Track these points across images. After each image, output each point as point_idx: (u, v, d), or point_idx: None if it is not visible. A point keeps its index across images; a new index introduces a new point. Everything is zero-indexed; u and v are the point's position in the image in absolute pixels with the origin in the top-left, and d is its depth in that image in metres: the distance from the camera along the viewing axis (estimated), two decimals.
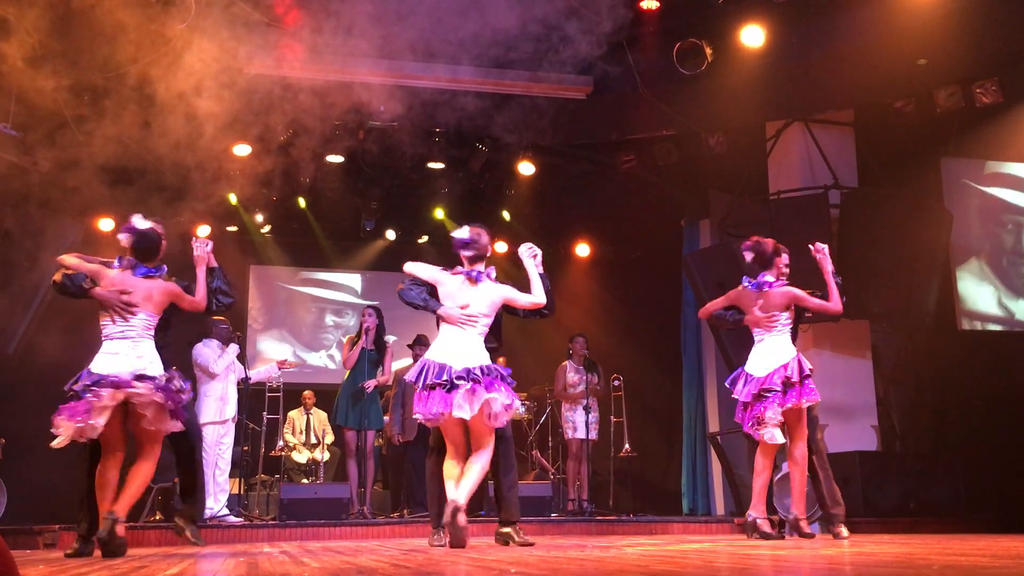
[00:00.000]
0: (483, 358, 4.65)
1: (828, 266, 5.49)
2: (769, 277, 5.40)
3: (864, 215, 7.98)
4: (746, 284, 5.47)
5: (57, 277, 4.65)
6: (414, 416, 4.80)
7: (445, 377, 4.52)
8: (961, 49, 7.19)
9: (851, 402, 8.14)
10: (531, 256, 4.99)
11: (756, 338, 5.43)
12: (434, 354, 4.70)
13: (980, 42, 7.15)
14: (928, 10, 6.80)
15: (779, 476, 6.56)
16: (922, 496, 7.51)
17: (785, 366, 5.22)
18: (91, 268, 4.66)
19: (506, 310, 5.04)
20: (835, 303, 5.40)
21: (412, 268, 4.99)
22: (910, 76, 7.58)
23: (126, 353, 4.52)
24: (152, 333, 4.65)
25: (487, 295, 4.78)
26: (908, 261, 7.91)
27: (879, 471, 7.53)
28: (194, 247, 5.02)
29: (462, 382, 4.48)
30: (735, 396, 5.41)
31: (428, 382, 4.57)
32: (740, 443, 8.81)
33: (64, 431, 4.34)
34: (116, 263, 4.71)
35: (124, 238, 4.72)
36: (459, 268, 4.88)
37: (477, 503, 7.66)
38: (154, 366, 4.57)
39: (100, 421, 4.35)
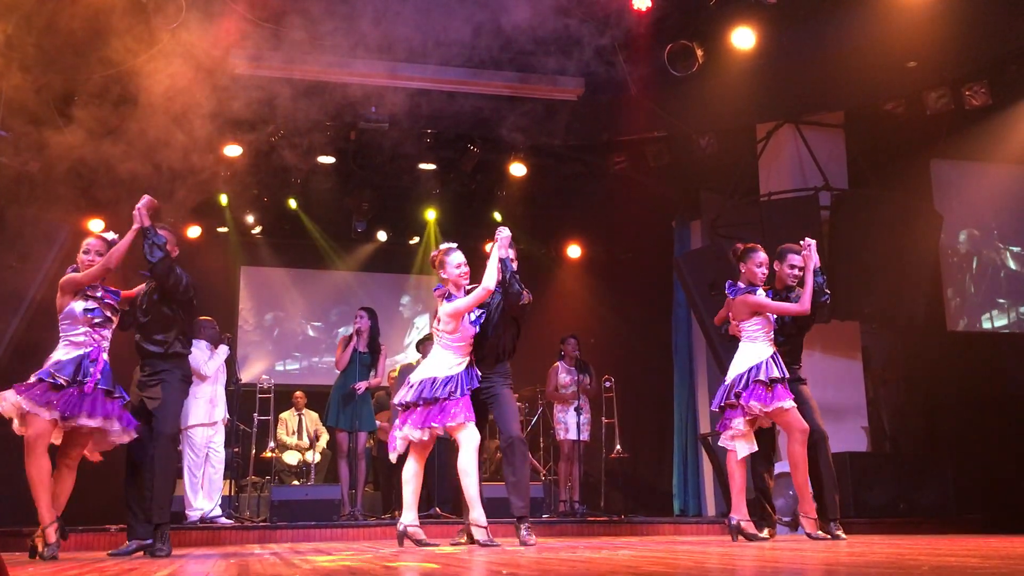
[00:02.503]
0: (434, 370, 4.98)
1: (811, 263, 5.39)
2: (741, 283, 5.41)
3: (854, 216, 8.00)
4: (726, 291, 5.50)
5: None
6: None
7: (402, 398, 5.01)
8: (951, 51, 7.21)
9: (841, 403, 8.16)
10: (495, 239, 5.10)
11: None
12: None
13: (970, 44, 7.18)
14: (918, 12, 6.82)
15: (776, 475, 6.55)
16: (912, 497, 7.54)
17: (740, 376, 5.19)
18: None
19: (512, 318, 5.22)
20: (802, 304, 5.28)
21: None
22: (900, 78, 7.60)
23: None
24: (63, 334, 4.74)
25: (441, 311, 5.07)
26: (898, 262, 7.93)
27: (869, 472, 7.55)
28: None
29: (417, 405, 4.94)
30: (712, 408, 5.47)
31: (403, 401, 5.03)
32: None
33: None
34: None
35: None
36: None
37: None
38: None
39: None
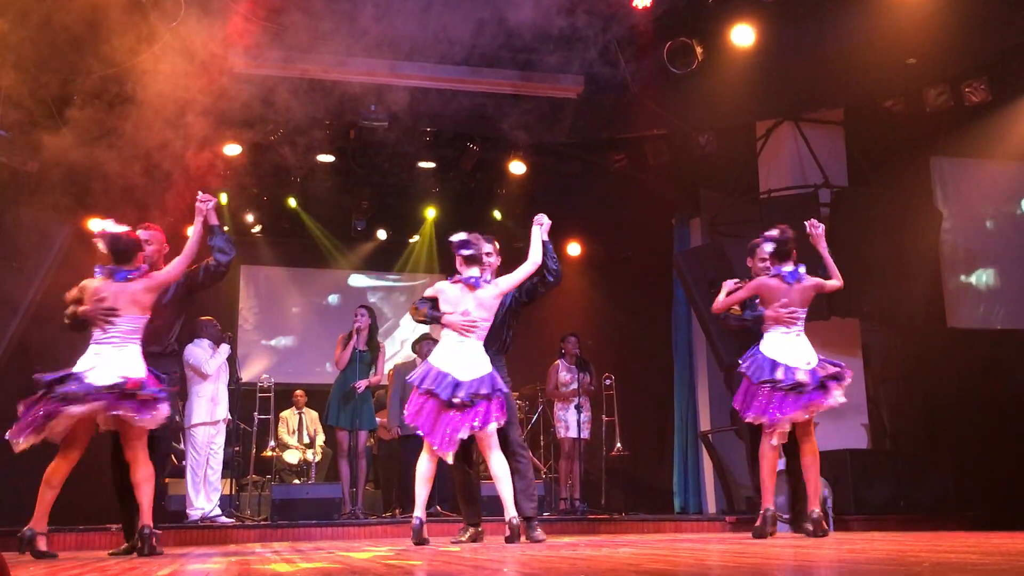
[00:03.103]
0: (486, 366, 4.84)
1: (823, 244, 5.39)
2: (802, 268, 5.24)
3: (854, 214, 8.00)
4: (781, 273, 5.20)
5: (66, 320, 4.67)
6: (403, 416, 4.95)
7: (452, 394, 4.71)
8: (950, 48, 7.21)
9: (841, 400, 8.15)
10: (538, 223, 5.22)
11: (776, 331, 5.17)
12: (438, 360, 4.86)
13: (969, 41, 7.18)
14: (917, 9, 6.82)
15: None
16: (912, 494, 7.54)
17: (822, 364, 5.12)
18: (72, 294, 4.69)
19: (524, 297, 5.27)
20: (839, 279, 5.32)
21: (425, 293, 5.20)
22: (900, 75, 7.60)
23: (109, 357, 4.48)
24: (139, 336, 4.59)
25: (484, 298, 4.95)
26: (898, 260, 7.93)
27: (869, 469, 7.56)
28: (197, 201, 4.97)
29: (469, 403, 4.71)
30: (770, 377, 5.05)
31: (427, 387, 4.75)
32: (731, 441, 8.84)
33: (24, 441, 4.35)
34: (97, 272, 4.69)
35: (100, 244, 4.70)
36: (457, 276, 5.04)
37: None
38: (136, 371, 4.51)
39: (59, 427, 4.38)
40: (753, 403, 5.13)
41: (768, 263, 5.39)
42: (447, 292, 5.00)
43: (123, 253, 4.68)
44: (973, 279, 9.09)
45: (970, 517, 7.34)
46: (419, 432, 4.90)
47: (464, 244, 5.02)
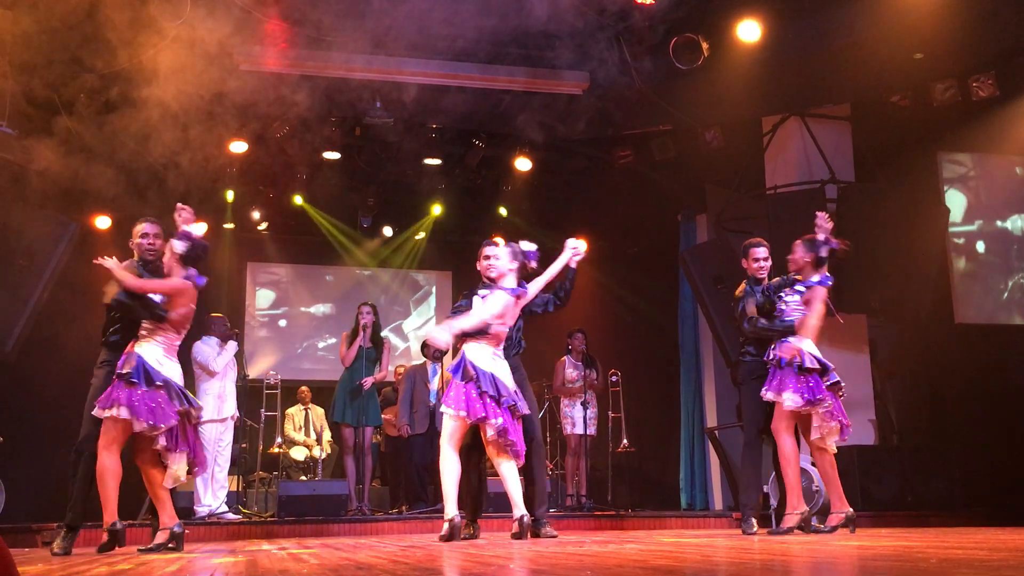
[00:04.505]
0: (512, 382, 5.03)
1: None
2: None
3: (861, 209, 7.97)
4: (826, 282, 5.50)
5: (121, 297, 4.62)
6: (447, 408, 4.92)
7: (497, 392, 4.85)
8: (957, 43, 7.18)
9: (848, 396, 8.08)
10: (573, 252, 5.46)
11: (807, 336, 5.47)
12: (483, 363, 4.92)
13: (976, 36, 7.15)
14: (924, 4, 6.79)
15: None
16: (919, 490, 7.53)
17: None
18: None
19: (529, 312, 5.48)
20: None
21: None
22: (907, 70, 7.58)
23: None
24: None
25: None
26: (905, 255, 7.91)
27: (876, 465, 7.54)
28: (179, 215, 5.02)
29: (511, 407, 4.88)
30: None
31: (479, 385, 4.85)
32: (738, 437, 8.83)
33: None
34: (197, 280, 4.77)
35: (181, 246, 4.73)
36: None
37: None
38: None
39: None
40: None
41: (762, 264, 5.60)
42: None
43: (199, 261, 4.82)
44: (981, 275, 9.07)
45: (977, 513, 7.32)
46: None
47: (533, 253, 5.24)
